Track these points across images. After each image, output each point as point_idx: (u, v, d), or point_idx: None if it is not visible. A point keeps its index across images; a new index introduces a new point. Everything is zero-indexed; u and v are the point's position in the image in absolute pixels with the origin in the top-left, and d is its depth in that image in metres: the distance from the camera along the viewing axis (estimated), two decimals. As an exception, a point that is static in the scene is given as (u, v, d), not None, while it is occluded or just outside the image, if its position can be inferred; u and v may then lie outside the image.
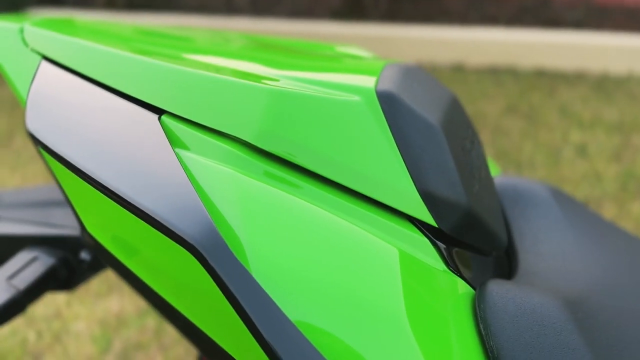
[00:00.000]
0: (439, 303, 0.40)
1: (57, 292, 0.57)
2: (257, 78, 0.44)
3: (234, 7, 4.06)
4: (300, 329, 0.36)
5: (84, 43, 0.48)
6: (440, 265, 0.42)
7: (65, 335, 1.67)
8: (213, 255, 0.36)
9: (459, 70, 3.59)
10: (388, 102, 0.44)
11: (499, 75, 3.50)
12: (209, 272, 0.36)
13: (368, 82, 0.45)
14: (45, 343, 1.65)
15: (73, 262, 0.57)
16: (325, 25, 3.89)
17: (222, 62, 0.49)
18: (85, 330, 1.69)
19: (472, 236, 0.46)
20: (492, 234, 0.48)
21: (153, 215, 0.37)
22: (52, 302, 1.78)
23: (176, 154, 0.41)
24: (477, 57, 3.61)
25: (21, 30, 0.52)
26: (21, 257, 0.56)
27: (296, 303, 0.36)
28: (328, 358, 0.35)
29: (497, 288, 0.41)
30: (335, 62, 0.57)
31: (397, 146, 0.43)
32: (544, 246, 0.53)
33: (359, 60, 0.58)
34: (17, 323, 1.71)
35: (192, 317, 0.39)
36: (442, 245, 0.44)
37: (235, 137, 0.41)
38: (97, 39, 0.50)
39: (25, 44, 0.51)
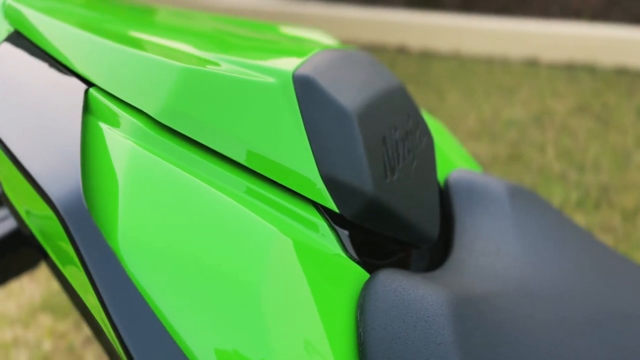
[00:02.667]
0: (322, 286, 0.39)
1: (26, 249, 0.62)
2: (181, 56, 0.46)
3: (308, -7, 4.09)
4: (152, 308, 0.35)
5: (45, 18, 0.52)
6: (335, 250, 0.42)
7: (110, 296, 1.79)
8: (72, 220, 0.37)
9: (532, 65, 3.43)
10: (303, 86, 0.44)
11: (574, 72, 3.31)
12: (68, 237, 0.37)
13: (289, 65, 0.46)
14: (91, 301, 1.77)
15: None
16: (398, 13, 3.83)
17: (154, 39, 0.51)
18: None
19: (381, 225, 0.46)
20: (410, 226, 0.47)
21: (33, 176, 0.40)
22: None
23: (92, 125, 0.43)
24: (554, 52, 3.43)
25: (3, 5, 0.57)
26: None
27: (155, 279, 0.36)
28: (181, 347, 0.34)
29: (384, 277, 0.41)
30: (273, 45, 0.57)
31: (306, 130, 0.43)
32: (480, 243, 0.51)
33: (301, 44, 0.58)
34: (69, 281, 1.85)
35: (75, 286, 0.41)
36: (344, 232, 0.44)
37: (145, 112, 0.43)
38: (62, 15, 0.54)
39: (5, 17, 0.56)
